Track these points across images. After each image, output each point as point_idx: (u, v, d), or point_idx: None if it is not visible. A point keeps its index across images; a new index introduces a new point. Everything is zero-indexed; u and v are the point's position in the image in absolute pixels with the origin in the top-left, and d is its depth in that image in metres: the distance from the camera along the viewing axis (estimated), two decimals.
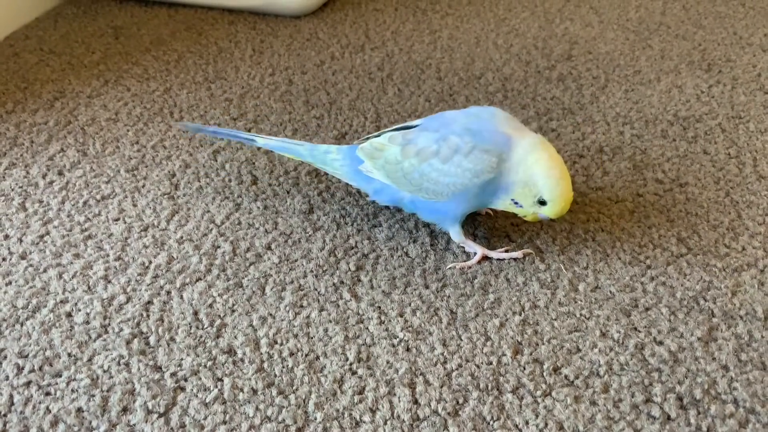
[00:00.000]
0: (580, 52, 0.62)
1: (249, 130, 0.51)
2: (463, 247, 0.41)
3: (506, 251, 0.40)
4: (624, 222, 0.43)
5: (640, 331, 0.36)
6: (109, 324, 0.36)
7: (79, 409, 0.32)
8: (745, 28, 0.67)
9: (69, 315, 0.36)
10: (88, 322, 0.36)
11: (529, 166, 0.37)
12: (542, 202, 0.37)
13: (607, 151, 0.49)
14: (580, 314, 0.37)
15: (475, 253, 0.40)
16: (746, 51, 0.63)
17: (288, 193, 0.45)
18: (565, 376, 0.33)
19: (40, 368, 0.33)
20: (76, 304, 0.37)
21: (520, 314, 0.36)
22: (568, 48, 0.63)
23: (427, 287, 0.38)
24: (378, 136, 0.41)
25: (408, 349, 0.35)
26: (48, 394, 0.32)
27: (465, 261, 0.40)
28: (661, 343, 0.35)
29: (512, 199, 0.38)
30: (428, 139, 0.38)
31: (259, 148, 0.49)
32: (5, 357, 0.34)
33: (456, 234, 0.40)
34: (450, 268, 0.39)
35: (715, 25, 0.68)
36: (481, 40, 0.65)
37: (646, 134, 0.51)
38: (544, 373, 0.33)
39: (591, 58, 0.61)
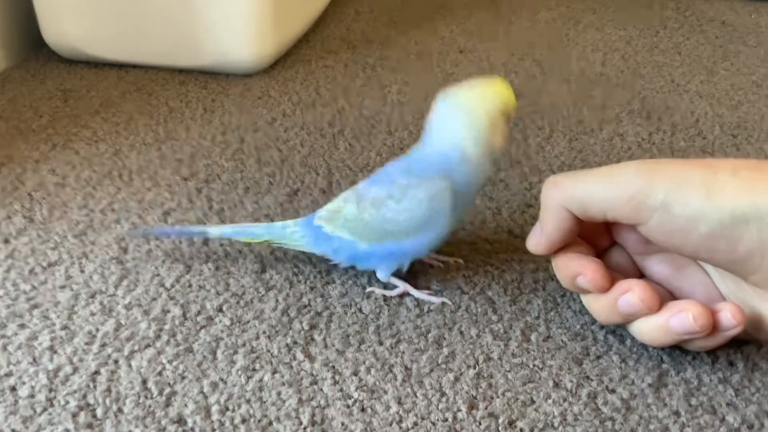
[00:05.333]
0: (525, 103, 0.64)
1: (199, 191, 0.51)
2: (417, 301, 0.41)
3: (429, 294, 0.41)
4: None
5: (592, 380, 0.36)
6: (55, 397, 0.35)
7: None
8: (682, 75, 0.70)
9: (13, 389, 0.35)
10: (33, 396, 0.35)
11: (457, 121, 0.39)
12: None
13: None
14: (533, 365, 0.37)
15: (396, 287, 0.41)
16: (684, 98, 0.65)
17: (240, 252, 0.45)
18: (521, 430, 0.33)
19: None
20: (20, 377, 0.36)
21: (474, 367, 0.37)
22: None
23: (381, 344, 0.38)
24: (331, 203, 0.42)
25: (363, 410, 0.34)
26: None
27: (414, 310, 0.40)
28: (613, 391, 0.35)
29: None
30: (378, 189, 0.40)
31: (210, 208, 0.49)
32: None
33: (385, 274, 0.41)
34: (368, 291, 0.41)
35: (653, 74, 0.70)
36: (429, 95, 0.66)
37: None
38: (500, 428, 0.33)
39: (535, 110, 0.63)
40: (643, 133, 0.59)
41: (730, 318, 0.33)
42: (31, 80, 0.69)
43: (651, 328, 0.35)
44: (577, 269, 0.36)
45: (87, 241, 0.46)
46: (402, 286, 0.41)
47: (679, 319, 0.33)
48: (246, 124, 0.61)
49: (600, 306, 0.36)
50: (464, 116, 0.38)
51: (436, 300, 0.41)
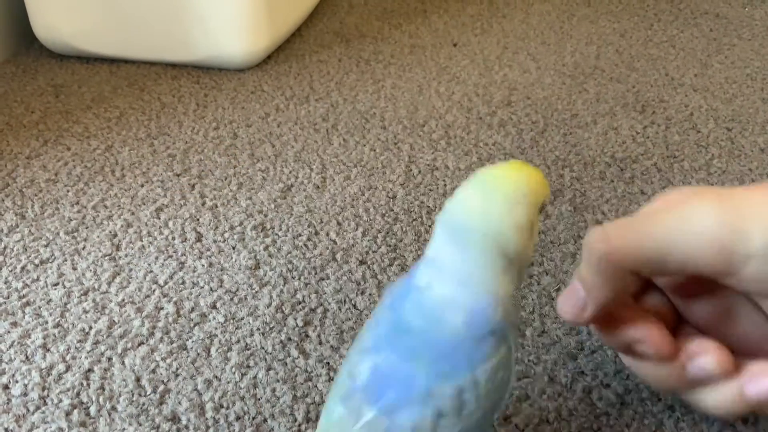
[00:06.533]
0: (519, 97, 0.64)
1: (192, 186, 0.51)
2: None
3: None
4: (567, 265, 0.43)
5: (587, 375, 0.36)
6: (48, 395, 0.35)
7: None
8: (677, 69, 0.70)
9: (6, 387, 0.35)
10: (26, 394, 0.35)
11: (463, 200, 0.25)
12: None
13: None
14: (528, 360, 0.37)
15: None
16: (678, 92, 0.65)
17: (233, 248, 0.45)
18: (516, 425, 0.33)
19: None
20: (13, 375, 0.36)
21: None
22: (508, 94, 0.65)
23: None
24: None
25: None
26: None
27: None
28: (608, 386, 0.35)
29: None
30: (388, 396, 0.25)
31: (203, 204, 0.49)
32: None
33: None
34: None
35: (647, 67, 0.70)
36: (423, 89, 0.66)
37: (584, 176, 0.52)
38: (495, 424, 0.33)
39: (530, 103, 0.63)
40: (638, 127, 0.59)
41: None
42: (21, 76, 0.68)
43: (724, 397, 0.29)
44: (636, 336, 0.30)
45: (79, 238, 0.45)
46: None
47: (758, 386, 0.28)
48: (239, 119, 0.60)
49: (660, 373, 0.30)
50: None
51: None
